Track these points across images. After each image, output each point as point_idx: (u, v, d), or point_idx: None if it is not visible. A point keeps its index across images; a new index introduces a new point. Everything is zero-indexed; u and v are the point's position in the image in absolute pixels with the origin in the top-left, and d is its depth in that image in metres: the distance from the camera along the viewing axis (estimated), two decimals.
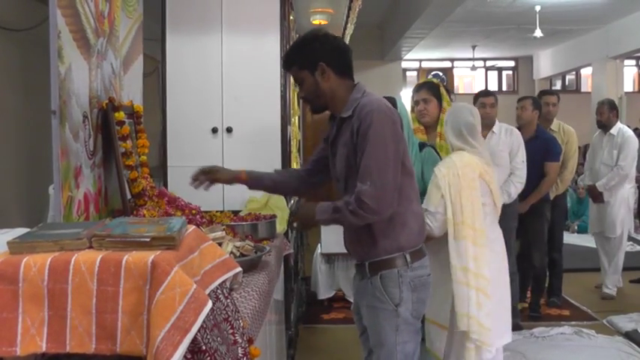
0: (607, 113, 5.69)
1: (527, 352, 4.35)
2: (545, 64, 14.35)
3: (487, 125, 4.46)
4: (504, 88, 15.73)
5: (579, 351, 4.33)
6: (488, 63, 15.32)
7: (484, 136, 4.28)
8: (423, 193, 2.90)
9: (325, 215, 2.22)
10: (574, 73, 14.90)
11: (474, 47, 13.15)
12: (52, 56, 1.87)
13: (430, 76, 3.85)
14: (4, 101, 2.80)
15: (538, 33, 9.35)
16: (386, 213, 2.16)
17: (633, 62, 14.53)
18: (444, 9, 8.36)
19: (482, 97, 4.74)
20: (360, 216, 2.13)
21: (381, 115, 2.15)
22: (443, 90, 3.54)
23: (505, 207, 4.24)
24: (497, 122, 4.63)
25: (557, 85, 15.53)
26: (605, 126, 5.73)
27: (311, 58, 2.25)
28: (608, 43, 10.91)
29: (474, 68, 14.39)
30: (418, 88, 3.59)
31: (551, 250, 5.24)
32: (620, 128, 5.71)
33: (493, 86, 15.49)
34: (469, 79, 15.83)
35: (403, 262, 2.26)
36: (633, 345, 4.43)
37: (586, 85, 15.00)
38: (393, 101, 2.79)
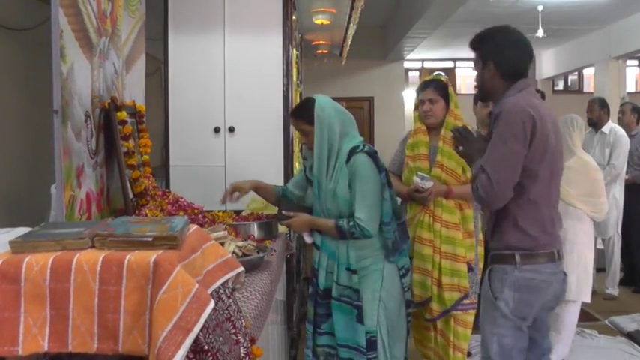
0: (598, 111, 5.61)
1: None
2: (547, 64, 14.33)
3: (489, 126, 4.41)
4: None
5: (581, 351, 4.32)
6: None
7: None
8: (340, 214, 2.63)
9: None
10: (576, 73, 14.87)
11: None
12: (55, 56, 1.87)
13: (436, 73, 3.50)
14: (6, 101, 2.81)
15: (540, 33, 9.33)
16: (492, 206, 2.38)
17: (636, 62, 14.50)
18: (447, 9, 8.35)
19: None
20: (479, 197, 2.36)
21: (508, 116, 2.29)
22: (451, 90, 3.28)
23: None
24: None
25: (560, 86, 15.51)
26: (595, 124, 5.65)
27: (485, 53, 2.46)
28: (610, 43, 10.89)
29: None
30: (424, 86, 3.31)
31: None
32: (612, 127, 5.64)
33: None
34: (471, 80, 15.81)
35: (512, 261, 2.36)
36: (635, 345, 4.42)
37: (588, 86, 14.97)
38: (311, 102, 2.68)
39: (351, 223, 2.57)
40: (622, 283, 5.95)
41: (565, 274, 2.51)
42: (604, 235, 5.58)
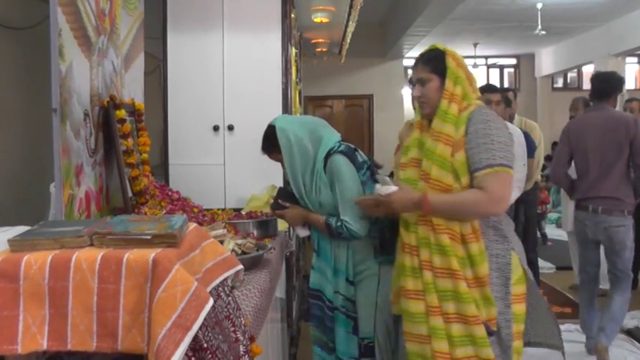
0: (582, 109, 5.46)
1: (529, 350, 4.35)
2: (546, 62, 14.33)
3: None
4: (506, 85, 15.70)
5: (581, 348, 4.33)
6: (490, 61, 15.30)
7: None
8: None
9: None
10: (576, 70, 14.87)
11: (475, 45, 13.13)
12: (53, 54, 1.87)
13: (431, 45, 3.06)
14: (4, 99, 2.80)
15: (540, 31, 9.34)
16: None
17: (635, 60, 14.49)
18: (446, 6, 8.35)
19: (487, 93, 4.24)
20: None
21: None
22: (450, 61, 2.27)
23: None
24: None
25: (559, 83, 15.51)
26: None
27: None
28: (610, 40, 10.89)
29: (475, 66, 14.36)
30: (414, 64, 2.39)
31: (525, 251, 5.09)
32: None
33: (494, 84, 15.46)
34: None
35: None
36: (635, 342, 4.43)
37: (588, 83, 14.96)
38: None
39: (339, 224, 2.49)
40: None
41: None
42: None
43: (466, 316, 2.17)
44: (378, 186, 2.33)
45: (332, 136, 2.62)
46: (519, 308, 2.28)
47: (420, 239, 2.25)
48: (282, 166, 2.66)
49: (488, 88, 4.37)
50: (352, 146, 2.60)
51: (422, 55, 2.36)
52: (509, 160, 2.17)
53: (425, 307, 2.24)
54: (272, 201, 2.81)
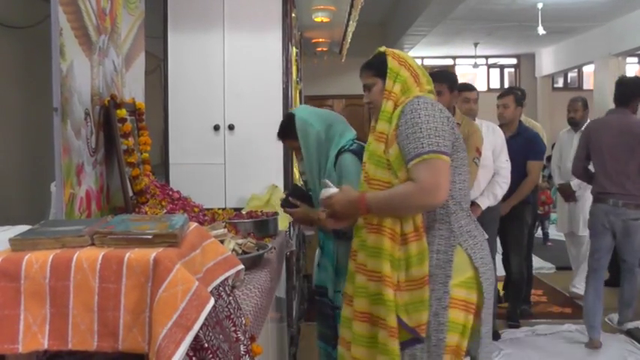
0: (581, 110, 5.48)
1: (530, 350, 4.36)
2: (547, 62, 14.34)
3: None
4: (506, 85, 15.71)
5: (581, 348, 4.33)
6: (491, 60, 15.32)
7: None
8: None
9: None
10: (576, 70, 14.89)
11: (476, 45, 13.14)
12: (54, 53, 1.87)
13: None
14: (5, 99, 2.80)
15: (541, 30, 9.34)
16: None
17: (636, 60, 14.50)
18: (446, 6, 8.36)
19: (466, 92, 4.38)
20: None
21: None
22: (392, 62, 2.20)
23: (487, 210, 4.16)
24: (477, 119, 4.31)
25: (559, 83, 15.52)
26: (577, 124, 5.47)
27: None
28: (610, 40, 10.89)
29: (476, 66, 14.38)
30: (360, 72, 2.34)
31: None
32: None
33: (495, 84, 15.48)
34: (471, 77, 15.81)
35: None
36: (635, 342, 4.43)
37: (588, 83, 14.98)
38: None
39: None
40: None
41: None
42: (584, 231, 5.35)
43: (386, 325, 2.05)
44: (323, 191, 2.28)
45: (347, 134, 2.62)
46: (456, 315, 2.08)
47: (359, 243, 2.19)
48: (295, 155, 2.69)
49: (464, 87, 4.42)
50: (364, 145, 2.57)
51: (366, 62, 2.32)
52: (442, 146, 2.02)
53: (351, 312, 2.18)
54: (284, 197, 2.83)
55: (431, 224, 2.10)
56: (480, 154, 3.88)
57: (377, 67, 2.24)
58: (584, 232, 5.38)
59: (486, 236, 2.27)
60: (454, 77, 3.91)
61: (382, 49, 2.29)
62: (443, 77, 3.76)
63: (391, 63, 2.20)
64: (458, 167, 2.15)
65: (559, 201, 5.85)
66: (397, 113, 2.13)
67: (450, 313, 2.05)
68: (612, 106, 4.46)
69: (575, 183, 5.36)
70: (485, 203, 4.13)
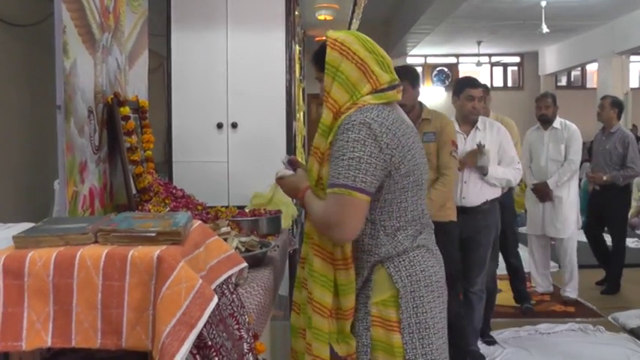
0: (552, 107, 5.31)
1: (532, 349, 4.35)
2: (550, 60, 14.31)
3: (472, 122, 4.00)
4: (509, 84, 15.70)
5: (584, 348, 4.33)
6: (494, 59, 15.29)
7: (467, 134, 3.97)
8: None
9: None
10: (579, 69, 14.87)
11: (479, 43, 13.12)
12: (58, 51, 1.87)
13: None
14: (8, 97, 2.80)
15: (544, 29, 9.32)
16: None
17: (639, 58, 14.47)
18: (450, 4, 8.34)
19: (469, 89, 3.98)
20: None
21: None
22: (330, 52, 1.86)
23: (486, 213, 3.91)
24: (479, 117, 4.04)
25: (563, 81, 15.50)
26: (549, 121, 5.30)
27: None
28: (614, 38, 10.87)
29: (479, 64, 14.35)
30: None
31: (506, 257, 4.98)
32: (562, 121, 5.32)
33: (498, 82, 15.46)
34: (474, 76, 15.79)
35: None
36: (638, 342, 4.42)
37: (591, 82, 14.95)
38: None
39: None
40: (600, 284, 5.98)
41: None
42: (564, 233, 5.29)
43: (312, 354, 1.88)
44: (279, 170, 2.16)
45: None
46: (380, 333, 1.87)
47: (305, 253, 2.00)
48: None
49: (467, 82, 4.09)
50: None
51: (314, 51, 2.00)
52: (360, 182, 1.76)
53: (300, 323, 2.03)
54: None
55: (360, 237, 1.89)
56: (456, 146, 3.58)
57: (319, 59, 1.92)
58: (565, 233, 5.27)
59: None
60: (415, 73, 3.63)
61: (328, 33, 1.93)
62: (403, 73, 3.18)
63: (329, 55, 1.86)
64: (409, 190, 1.87)
65: (530, 201, 5.58)
66: (336, 126, 1.84)
67: (372, 332, 1.88)
68: None
69: (552, 181, 5.20)
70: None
